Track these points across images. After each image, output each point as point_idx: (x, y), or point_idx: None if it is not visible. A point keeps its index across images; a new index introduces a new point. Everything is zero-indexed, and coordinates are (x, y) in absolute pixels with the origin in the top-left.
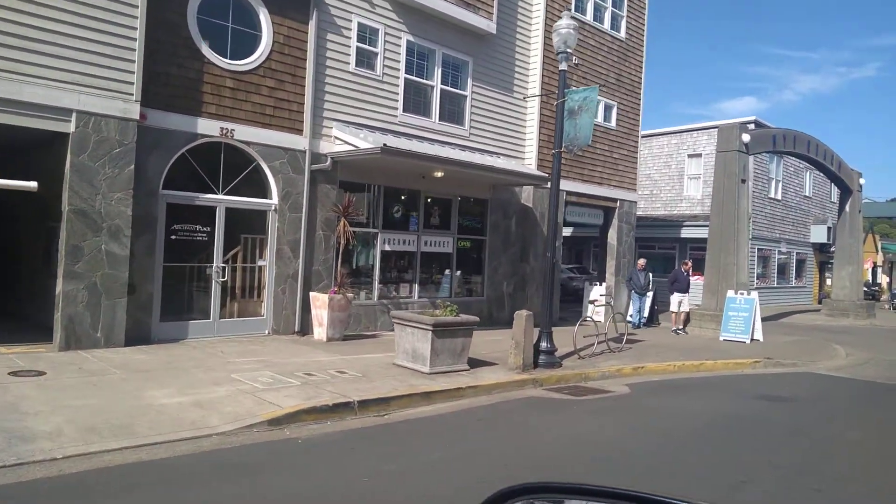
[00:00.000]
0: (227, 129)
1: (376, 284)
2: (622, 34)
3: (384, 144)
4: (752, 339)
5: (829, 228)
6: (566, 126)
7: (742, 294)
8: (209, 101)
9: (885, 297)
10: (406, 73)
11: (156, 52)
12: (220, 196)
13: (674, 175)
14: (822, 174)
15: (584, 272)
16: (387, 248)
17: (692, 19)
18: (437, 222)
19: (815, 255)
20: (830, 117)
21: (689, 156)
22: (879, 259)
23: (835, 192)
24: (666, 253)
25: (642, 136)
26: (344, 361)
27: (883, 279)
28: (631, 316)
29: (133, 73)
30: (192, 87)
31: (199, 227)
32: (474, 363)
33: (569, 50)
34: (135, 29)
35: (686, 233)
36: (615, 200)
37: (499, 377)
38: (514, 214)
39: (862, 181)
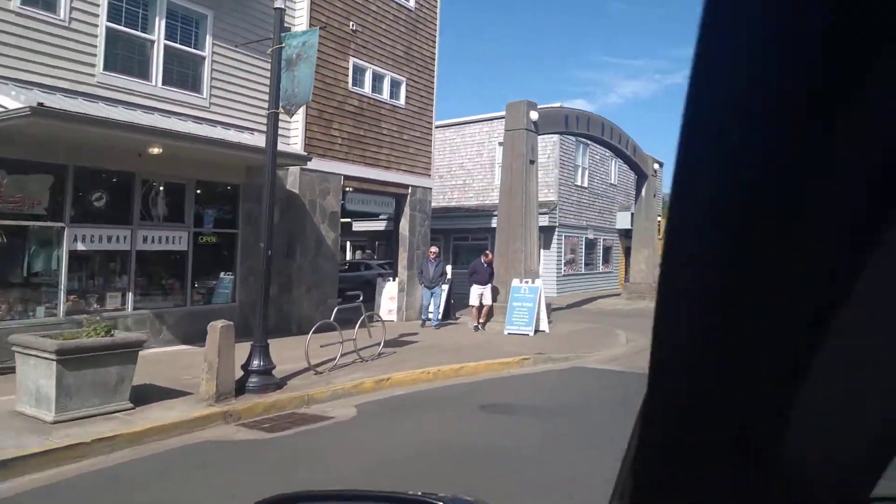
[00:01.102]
0: None
1: (63, 296)
2: (411, 3)
3: (39, 103)
4: (536, 331)
5: (632, 215)
6: (283, 80)
7: (527, 283)
8: None
9: None
10: (109, 20)
11: None
12: None
13: (486, 164)
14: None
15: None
16: (81, 247)
17: (524, 24)
18: (166, 213)
19: (620, 241)
20: (649, 118)
21: (500, 144)
22: None
23: None
24: (480, 244)
25: (455, 124)
26: None
27: None
28: (425, 313)
29: None
30: None
31: None
32: (158, 395)
33: None
34: None
35: (496, 222)
36: (406, 187)
37: (173, 416)
38: (275, 203)
39: (656, 167)
